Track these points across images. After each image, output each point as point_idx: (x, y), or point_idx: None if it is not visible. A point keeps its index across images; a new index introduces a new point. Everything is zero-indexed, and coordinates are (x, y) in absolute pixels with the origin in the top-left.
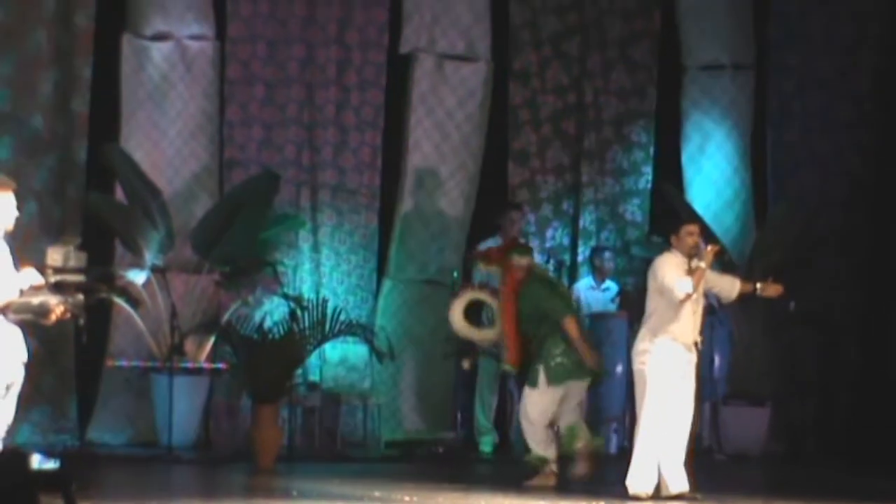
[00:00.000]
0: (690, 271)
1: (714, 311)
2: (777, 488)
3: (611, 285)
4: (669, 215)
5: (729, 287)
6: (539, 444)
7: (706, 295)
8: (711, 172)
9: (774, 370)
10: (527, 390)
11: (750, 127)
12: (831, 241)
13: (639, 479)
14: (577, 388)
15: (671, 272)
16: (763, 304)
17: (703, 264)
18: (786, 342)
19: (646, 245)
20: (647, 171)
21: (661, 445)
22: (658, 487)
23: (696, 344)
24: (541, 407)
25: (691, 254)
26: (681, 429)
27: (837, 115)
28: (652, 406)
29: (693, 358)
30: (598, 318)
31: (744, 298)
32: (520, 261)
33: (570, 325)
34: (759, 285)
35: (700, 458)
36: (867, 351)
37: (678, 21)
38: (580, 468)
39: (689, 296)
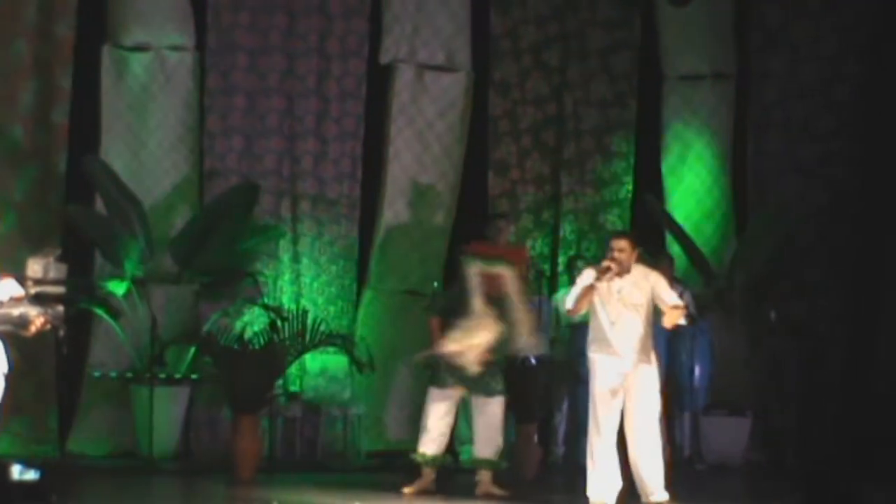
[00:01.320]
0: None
1: (695, 321)
2: (757, 498)
3: None
4: (655, 226)
5: (666, 311)
6: (428, 445)
7: (687, 306)
8: (692, 182)
9: (755, 380)
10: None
11: (730, 136)
12: (813, 251)
13: (595, 489)
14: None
15: (574, 287)
16: (744, 314)
17: (591, 281)
18: (767, 352)
19: None
20: (628, 181)
21: (609, 455)
22: (637, 497)
23: (637, 354)
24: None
25: (599, 269)
26: (639, 439)
27: (819, 124)
28: (594, 416)
29: (633, 369)
30: (577, 328)
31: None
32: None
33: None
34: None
35: (681, 467)
36: (849, 360)
37: (658, 31)
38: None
39: (570, 311)
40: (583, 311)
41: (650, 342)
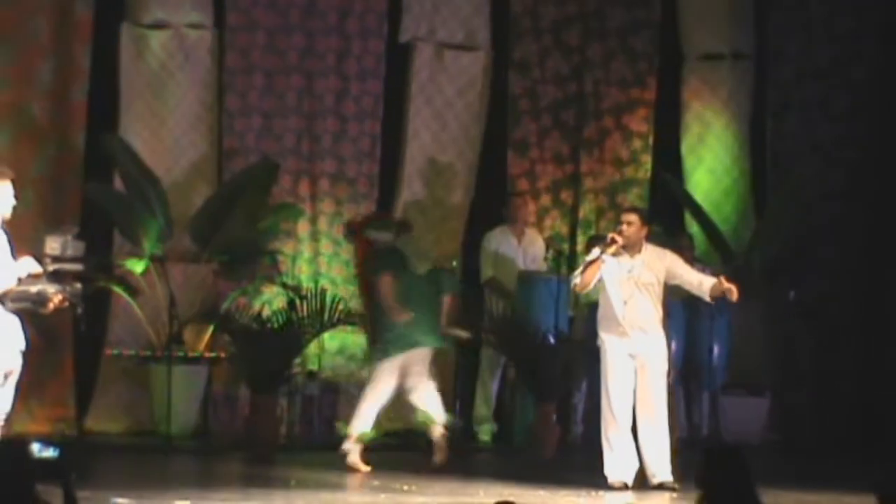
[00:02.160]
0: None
1: (714, 301)
2: (775, 477)
3: None
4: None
5: (698, 287)
6: (360, 420)
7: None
8: (711, 162)
9: (773, 359)
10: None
11: (749, 116)
12: (831, 231)
13: (614, 470)
14: (418, 358)
15: (584, 263)
16: (762, 294)
17: (602, 255)
18: (785, 332)
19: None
20: (647, 160)
21: (624, 436)
22: (642, 477)
23: (645, 333)
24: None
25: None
26: (648, 419)
27: (837, 104)
28: (608, 397)
29: (643, 348)
30: (596, 308)
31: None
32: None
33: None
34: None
35: (699, 447)
36: (866, 341)
37: (678, 10)
38: (437, 456)
39: (577, 286)
40: (590, 287)
41: (660, 322)
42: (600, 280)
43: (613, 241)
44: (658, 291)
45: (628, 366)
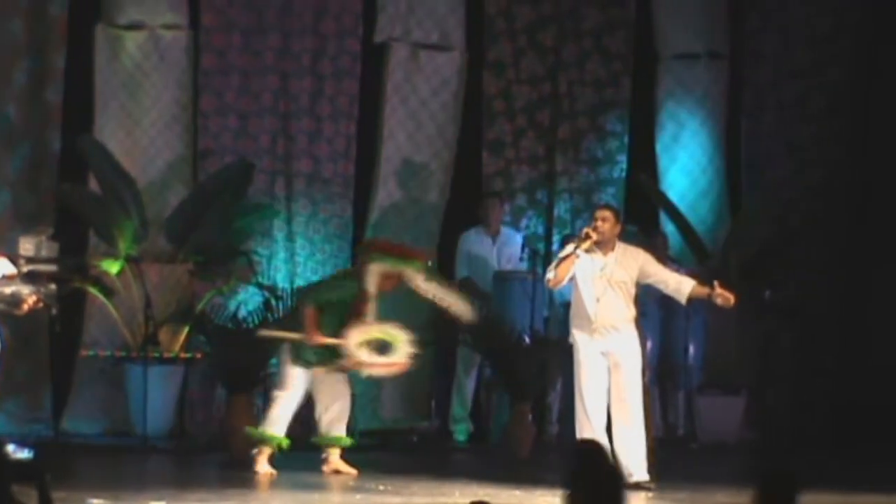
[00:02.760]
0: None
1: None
2: (752, 477)
3: None
4: (649, 205)
5: (676, 288)
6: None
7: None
8: (686, 162)
9: (749, 359)
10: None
11: (725, 116)
12: (807, 231)
13: None
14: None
15: (556, 259)
16: (738, 293)
17: (576, 250)
18: (761, 331)
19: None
20: (622, 160)
21: (598, 436)
22: None
23: (617, 331)
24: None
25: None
26: (622, 416)
27: (813, 104)
28: (580, 396)
29: (616, 346)
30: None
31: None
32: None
33: None
34: (709, 291)
35: (675, 446)
36: (844, 339)
37: (653, 10)
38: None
39: (550, 281)
40: (564, 282)
41: (632, 321)
42: (573, 277)
43: (588, 237)
44: (630, 290)
45: (601, 364)
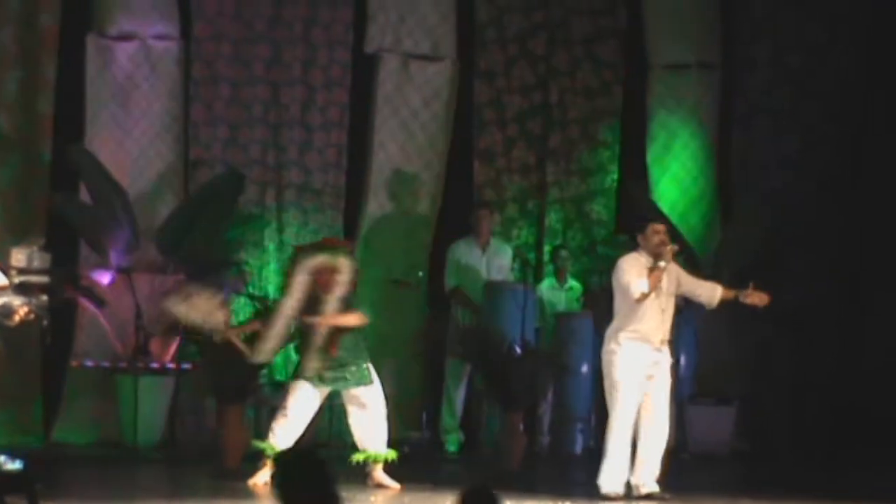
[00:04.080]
0: (651, 271)
1: (679, 311)
2: (743, 487)
3: (574, 285)
4: (636, 215)
5: (709, 295)
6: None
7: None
8: (677, 171)
9: (740, 369)
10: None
11: (716, 125)
12: (800, 240)
13: (609, 479)
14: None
15: (631, 271)
16: (729, 303)
17: (661, 264)
18: (752, 340)
19: (612, 244)
20: (613, 170)
21: (630, 445)
22: (629, 487)
23: (666, 343)
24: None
25: (656, 252)
26: (655, 429)
27: (805, 113)
28: (619, 406)
29: (662, 357)
30: (562, 318)
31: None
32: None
33: None
34: (740, 293)
35: (666, 456)
36: (838, 347)
37: (644, 19)
38: None
39: (644, 295)
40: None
41: None
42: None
43: (674, 251)
44: (675, 302)
45: (643, 374)
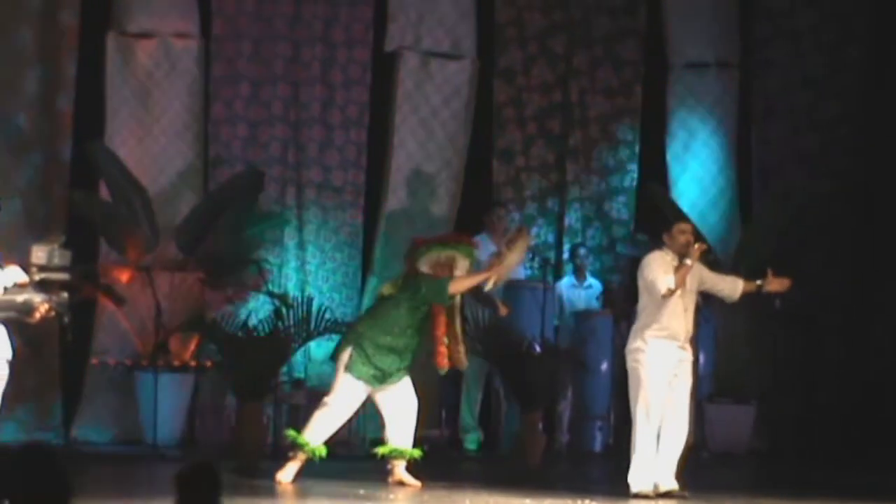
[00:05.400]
0: (678, 268)
1: (699, 309)
2: (762, 486)
3: (594, 283)
4: (661, 214)
5: (731, 288)
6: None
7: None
8: (697, 170)
9: (759, 368)
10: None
11: (735, 125)
12: (817, 239)
13: (639, 478)
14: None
15: (657, 269)
16: (748, 302)
17: (688, 261)
18: (771, 340)
19: (631, 243)
20: (633, 168)
21: (654, 444)
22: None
23: (689, 341)
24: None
25: (682, 252)
26: (675, 427)
27: (823, 112)
28: (646, 405)
29: (687, 356)
30: (581, 316)
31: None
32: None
33: None
34: (761, 282)
35: (685, 455)
36: (853, 349)
37: (664, 18)
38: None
39: (671, 291)
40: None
41: None
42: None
43: (702, 249)
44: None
45: (669, 374)
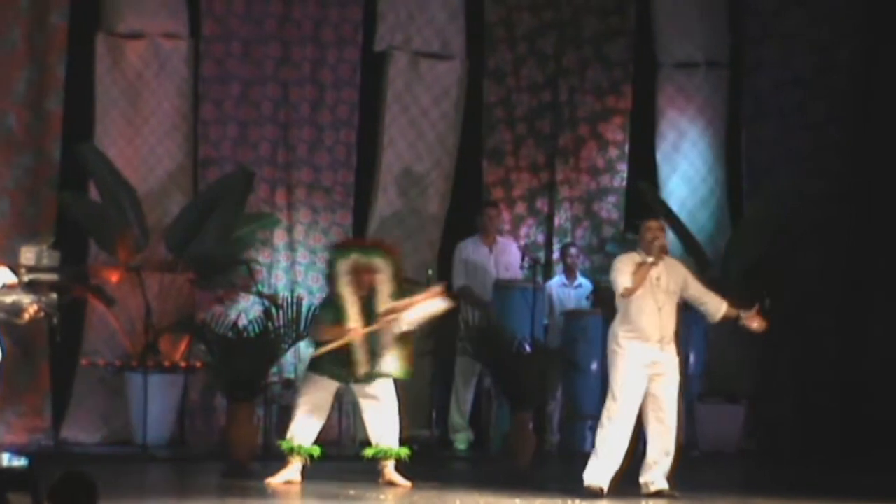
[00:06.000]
0: (639, 266)
1: (689, 309)
2: (752, 485)
3: (584, 282)
4: (650, 214)
5: (715, 307)
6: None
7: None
8: (686, 170)
9: (750, 368)
10: None
11: (725, 124)
12: (808, 239)
13: (591, 473)
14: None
15: (622, 269)
16: (739, 302)
17: (649, 259)
18: (761, 340)
19: (621, 243)
20: (623, 168)
21: (618, 442)
22: (638, 485)
23: (668, 342)
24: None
25: (649, 250)
26: (663, 428)
27: (814, 112)
28: (615, 406)
29: (665, 357)
30: (571, 316)
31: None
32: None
33: None
34: (744, 314)
35: (675, 455)
36: (845, 348)
37: (653, 18)
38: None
39: (628, 291)
40: (637, 292)
41: (674, 333)
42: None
43: (661, 248)
44: (677, 301)
45: (643, 374)
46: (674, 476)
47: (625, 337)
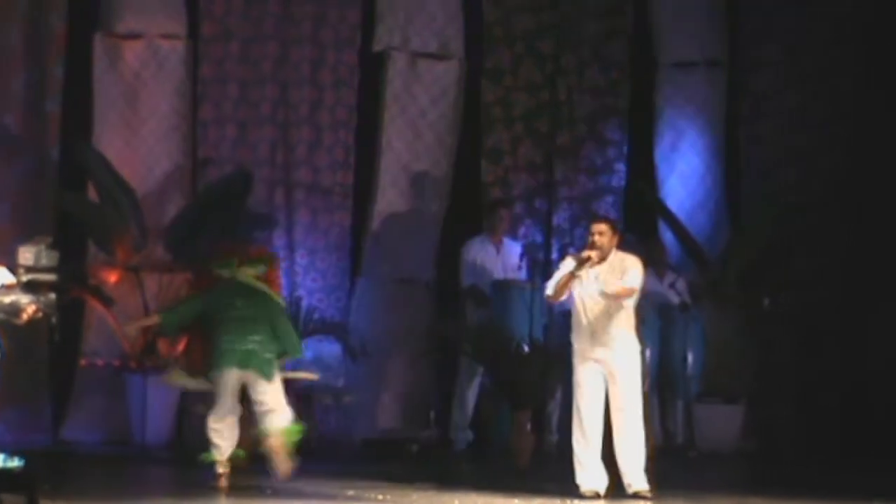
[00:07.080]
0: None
1: (688, 309)
2: (750, 485)
3: None
4: (648, 214)
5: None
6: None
7: (679, 292)
8: (685, 170)
9: (748, 368)
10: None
11: (723, 124)
12: (807, 239)
13: (581, 479)
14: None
15: (554, 276)
16: (737, 302)
17: (571, 268)
18: (760, 340)
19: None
20: (621, 168)
21: (593, 449)
22: (619, 487)
23: (612, 341)
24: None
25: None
26: (624, 428)
27: (813, 112)
28: (574, 410)
29: (611, 355)
30: (570, 317)
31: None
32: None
33: None
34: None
35: (673, 455)
36: (844, 348)
37: (651, 18)
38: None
39: (549, 297)
40: (563, 298)
41: (631, 328)
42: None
43: (588, 259)
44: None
45: (598, 376)
46: (667, 475)
47: (573, 339)
